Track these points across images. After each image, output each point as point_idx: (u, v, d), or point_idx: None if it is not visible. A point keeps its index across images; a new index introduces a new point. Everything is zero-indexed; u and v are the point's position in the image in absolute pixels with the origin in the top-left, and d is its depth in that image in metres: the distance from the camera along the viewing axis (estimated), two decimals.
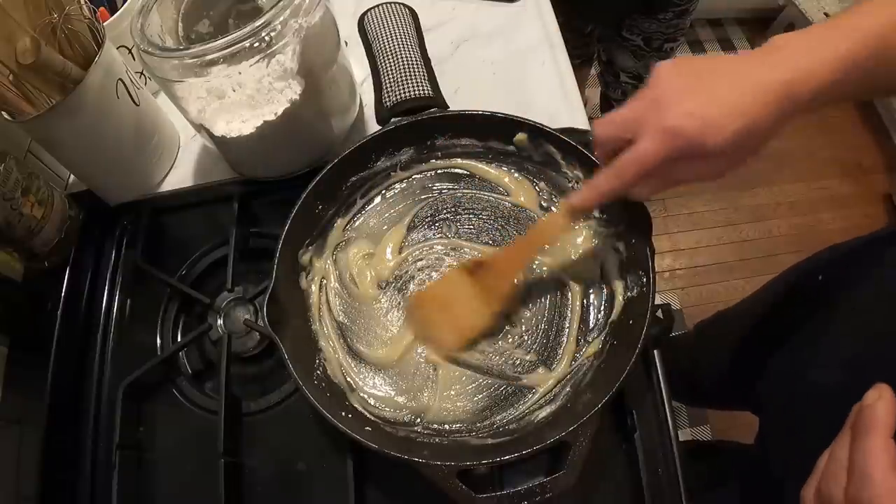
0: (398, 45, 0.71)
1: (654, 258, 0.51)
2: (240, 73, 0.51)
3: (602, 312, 0.56)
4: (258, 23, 0.49)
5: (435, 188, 0.63)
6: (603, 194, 0.45)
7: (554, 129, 0.57)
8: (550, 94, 0.71)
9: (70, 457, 0.56)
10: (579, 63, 1.31)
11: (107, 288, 0.64)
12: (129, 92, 0.61)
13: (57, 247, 0.64)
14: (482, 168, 0.63)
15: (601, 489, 0.52)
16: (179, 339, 0.61)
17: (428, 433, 0.52)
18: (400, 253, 0.60)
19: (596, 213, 0.58)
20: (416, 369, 0.55)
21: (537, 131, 0.58)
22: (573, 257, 0.58)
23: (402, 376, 0.54)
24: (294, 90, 0.56)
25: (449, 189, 0.63)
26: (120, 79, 0.60)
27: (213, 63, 0.50)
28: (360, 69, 0.73)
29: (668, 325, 0.57)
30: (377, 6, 0.75)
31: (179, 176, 0.71)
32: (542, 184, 0.62)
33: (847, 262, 0.63)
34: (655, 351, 0.55)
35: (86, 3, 0.56)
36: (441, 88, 0.70)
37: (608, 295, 0.56)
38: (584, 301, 0.57)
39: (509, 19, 0.78)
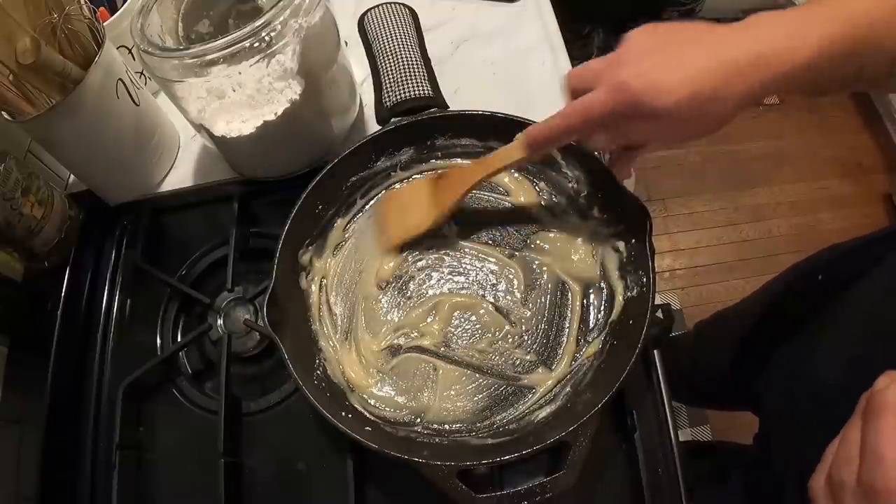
0: (398, 45, 0.71)
1: (654, 258, 0.51)
2: (240, 73, 0.51)
3: (602, 312, 0.56)
4: (258, 23, 0.49)
5: None
6: (552, 129, 0.46)
7: None
8: (550, 94, 0.71)
9: (70, 457, 0.56)
10: (578, 64, 1.31)
11: (107, 288, 0.64)
12: (129, 92, 0.61)
13: (57, 247, 0.64)
14: None
15: (601, 489, 0.52)
16: (179, 339, 0.61)
17: (428, 433, 0.52)
18: (400, 253, 0.60)
19: (596, 213, 0.58)
20: (416, 369, 0.55)
21: None
22: (573, 257, 0.58)
23: (402, 376, 0.54)
24: (294, 90, 0.56)
25: None
26: (120, 79, 0.60)
27: (213, 63, 0.50)
28: (360, 69, 0.73)
29: (668, 325, 0.57)
30: (377, 6, 0.75)
31: (179, 176, 0.71)
32: (542, 184, 0.62)
33: (847, 262, 0.63)
34: (655, 351, 0.55)
35: (86, 3, 0.56)
36: (441, 88, 0.70)
37: (608, 295, 0.56)
38: (584, 301, 0.57)
39: (509, 19, 0.78)
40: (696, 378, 0.92)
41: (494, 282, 0.58)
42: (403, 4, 0.76)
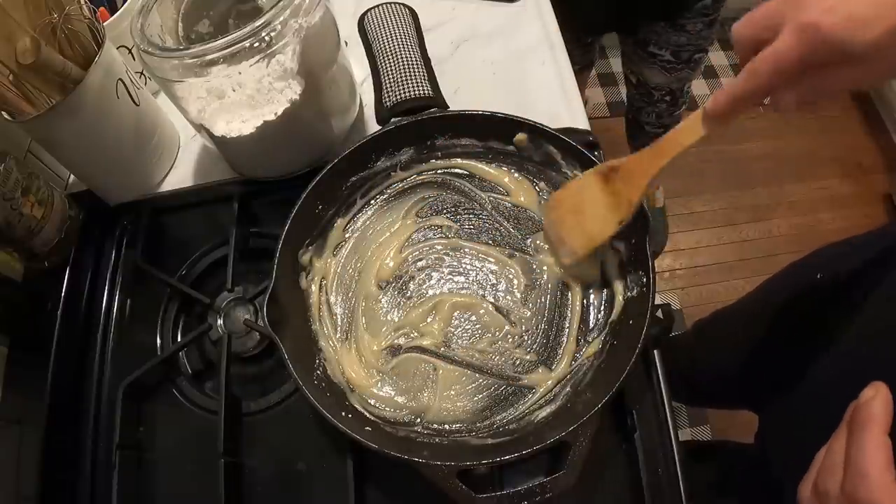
0: (398, 45, 0.71)
1: (654, 258, 0.51)
2: (240, 73, 0.51)
3: (602, 312, 0.56)
4: (258, 23, 0.49)
5: (435, 188, 0.63)
6: (737, 97, 0.40)
7: (554, 129, 0.57)
8: (550, 94, 0.71)
9: (70, 457, 0.56)
10: (578, 69, 1.31)
11: (107, 288, 0.64)
12: (129, 92, 0.61)
13: (57, 247, 0.64)
14: (482, 168, 0.63)
15: (601, 489, 0.52)
16: (179, 339, 0.61)
17: (428, 433, 0.52)
18: (400, 253, 0.60)
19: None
20: (416, 369, 0.55)
21: (537, 131, 0.58)
22: None
23: (402, 376, 0.54)
24: (294, 90, 0.56)
25: (449, 189, 0.63)
26: (120, 79, 0.60)
27: (213, 63, 0.50)
28: (360, 69, 0.73)
29: (668, 325, 0.57)
30: (377, 6, 0.75)
31: (179, 176, 0.71)
32: (542, 184, 0.62)
33: (845, 261, 0.63)
34: (655, 351, 0.55)
35: (86, 3, 0.56)
36: (441, 88, 0.70)
37: (608, 295, 0.56)
38: (584, 301, 0.57)
39: (509, 19, 0.78)
40: (695, 378, 0.92)
41: (494, 282, 0.58)
42: (403, 4, 0.76)
